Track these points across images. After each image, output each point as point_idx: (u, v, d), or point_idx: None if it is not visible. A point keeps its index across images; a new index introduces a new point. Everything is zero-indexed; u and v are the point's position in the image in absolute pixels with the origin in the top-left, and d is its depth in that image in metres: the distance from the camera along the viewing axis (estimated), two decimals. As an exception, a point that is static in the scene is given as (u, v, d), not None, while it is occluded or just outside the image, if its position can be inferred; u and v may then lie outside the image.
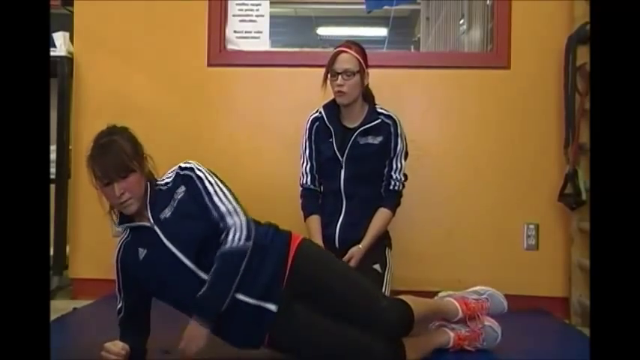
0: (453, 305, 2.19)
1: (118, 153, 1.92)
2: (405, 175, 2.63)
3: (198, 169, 2.02)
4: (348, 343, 1.93)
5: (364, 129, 2.58)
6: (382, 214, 2.58)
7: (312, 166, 2.67)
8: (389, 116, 2.60)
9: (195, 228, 1.96)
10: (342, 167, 2.59)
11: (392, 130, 2.58)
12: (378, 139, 2.58)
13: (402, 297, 2.06)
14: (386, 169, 2.59)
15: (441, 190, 3.18)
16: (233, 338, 2.01)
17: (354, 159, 2.58)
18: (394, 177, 2.58)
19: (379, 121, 2.58)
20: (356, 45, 2.61)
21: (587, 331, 2.46)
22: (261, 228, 2.04)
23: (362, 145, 2.58)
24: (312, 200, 2.65)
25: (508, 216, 3.14)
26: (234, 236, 1.92)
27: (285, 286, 1.97)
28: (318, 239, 2.54)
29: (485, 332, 2.20)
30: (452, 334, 2.17)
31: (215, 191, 1.99)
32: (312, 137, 2.67)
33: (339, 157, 2.59)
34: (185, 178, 2.03)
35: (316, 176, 2.68)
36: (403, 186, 2.62)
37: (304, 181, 2.67)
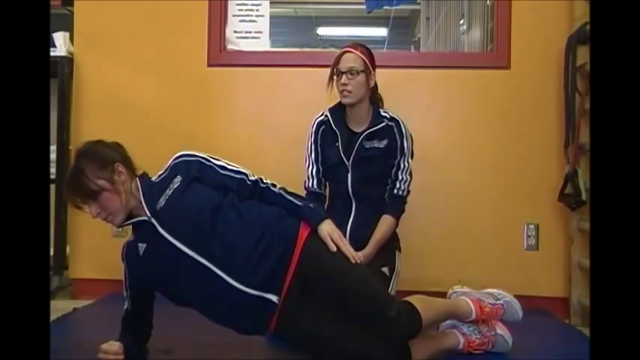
0: (467, 306, 2.16)
1: (80, 182, 1.95)
2: (410, 175, 2.61)
3: (192, 154, 2.09)
4: (351, 343, 1.92)
5: (369, 133, 2.57)
6: (386, 221, 2.55)
7: (317, 169, 2.65)
8: (392, 118, 2.60)
9: (190, 212, 1.96)
10: (348, 171, 2.59)
11: (396, 131, 2.58)
12: (383, 143, 2.57)
13: (414, 298, 2.03)
14: (393, 170, 2.58)
15: (441, 190, 3.18)
16: (236, 326, 2.02)
17: (360, 163, 2.58)
18: (400, 178, 2.57)
19: (383, 124, 2.58)
20: (362, 46, 2.62)
21: (587, 331, 2.46)
22: (274, 211, 2.04)
23: (367, 149, 2.57)
24: (316, 203, 2.65)
25: (508, 216, 3.14)
26: (268, 182, 2.09)
27: (293, 276, 1.96)
28: None
29: (496, 340, 2.18)
30: (462, 340, 2.15)
31: (222, 164, 2.08)
32: (318, 140, 2.65)
33: (346, 161, 2.59)
34: (180, 164, 2.06)
35: (322, 180, 2.66)
36: (408, 191, 2.60)
37: (309, 184, 2.66)
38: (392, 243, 2.61)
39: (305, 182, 2.67)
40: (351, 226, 2.56)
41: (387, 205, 2.58)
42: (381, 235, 2.54)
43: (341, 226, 2.58)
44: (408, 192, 2.60)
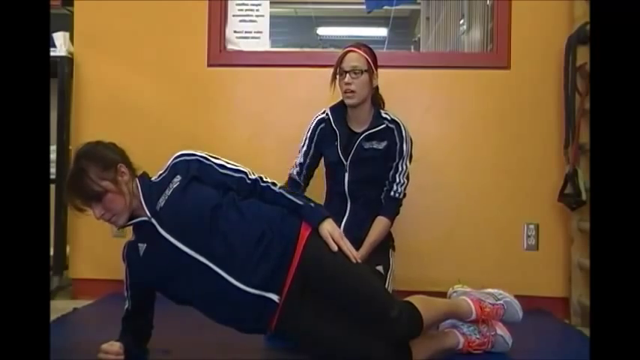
0: (468, 306, 2.16)
1: (84, 183, 1.94)
2: (408, 178, 2.61)
3: (191, 153, 2.08)
4: (351, 342, 1.92)
5: (369, 134, 2.57)
6: (380, 222, 2.56)
7: (303, 162, 2.67)
8: (393, 120, 2.59)
9: (190, 212, 1.96)
10: (346, 171, 2.59)
11: (396, 133, 2.57)
12: (383, 144, 2.57)
13: (415, 298, 2.02)
14: (391, 172, 2.57)
15: (441, 190, 3.17)
16: (237, 325, 2.02)
17: (358, 163, 2.57)
18: (397, 180, 2.56)
19: (384, 125, 2.57)
20: (365, 46, 2.62)
21: (587, 331, 2.46)
22: (275, 210, 2.03)
23: (366, 150, 2.57)
24: (293, 190, 2.64)
25: (508, 216, 3.14)
26: (269, 180, 2.08)
27: (294, 275, 1.95)
28: None
29: (496, 340, 2.18)
30: (462, 339, 2.15)
31: (221, 163, 2.07)
32: (315, 137, 2.66)
33: (344, 161, 2.59)
34: (179, 164, 2.05)
35: (304, 171, 2.67)
36: (404, 194, 2.60)
37: (292, 171, 2.67)
38: (386, 242, 2.61)
39: (290, 168, 2.68)
40: (344, 226, 2.55)
41: (382, 206, 2.58)
42: (376, 237, 2.54)
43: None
44: (404, 195, 2.60)
